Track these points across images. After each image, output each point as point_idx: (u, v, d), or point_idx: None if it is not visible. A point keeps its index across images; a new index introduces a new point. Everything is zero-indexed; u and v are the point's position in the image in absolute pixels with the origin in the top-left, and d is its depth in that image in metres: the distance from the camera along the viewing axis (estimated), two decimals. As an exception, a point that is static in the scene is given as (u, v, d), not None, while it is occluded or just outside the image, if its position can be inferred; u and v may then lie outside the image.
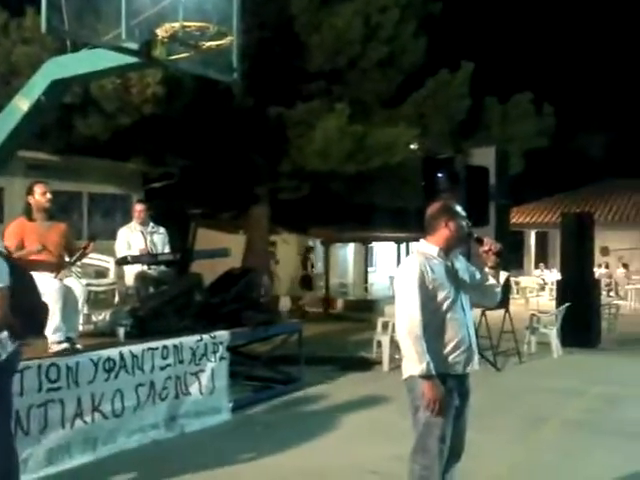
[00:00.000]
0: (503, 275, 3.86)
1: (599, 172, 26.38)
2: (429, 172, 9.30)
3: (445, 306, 3.60)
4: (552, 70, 26.75)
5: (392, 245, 23.82)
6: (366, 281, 22.74)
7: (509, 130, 15.09)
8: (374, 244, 23.56)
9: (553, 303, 13.64)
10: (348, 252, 23.90)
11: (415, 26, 13.86)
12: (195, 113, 12.29)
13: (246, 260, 14.87)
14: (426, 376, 3.47)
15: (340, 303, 17.50)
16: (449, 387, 3.57)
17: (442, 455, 3.58)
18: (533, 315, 10.95)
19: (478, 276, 3.83)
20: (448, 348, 3.60)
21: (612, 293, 21.18)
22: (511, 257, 18.19)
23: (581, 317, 11.06)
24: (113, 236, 7.91)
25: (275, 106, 13.14)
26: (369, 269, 23.70)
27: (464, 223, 3.72)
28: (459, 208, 3.77)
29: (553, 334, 10.46)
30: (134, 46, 5.99)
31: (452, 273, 3.69)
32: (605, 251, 21.01)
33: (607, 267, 22.55)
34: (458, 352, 3.62)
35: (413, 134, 12.85)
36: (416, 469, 3.60)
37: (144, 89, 10.81)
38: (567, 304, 10.78)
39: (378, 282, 22.13)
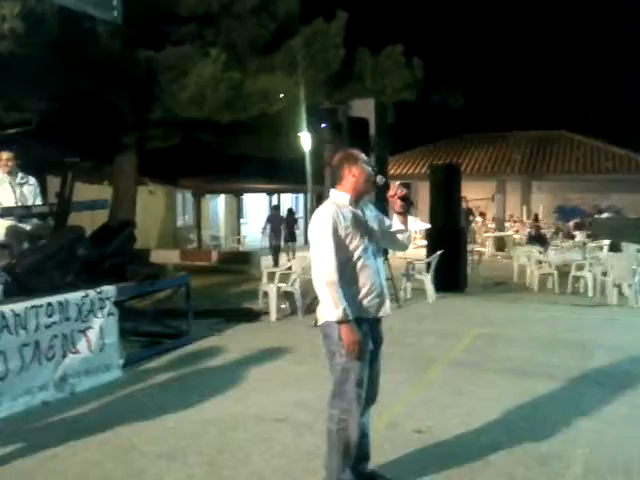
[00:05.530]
0: (412, 220, 3.96)
1: (457, 126, 27.56)
2: (312, 122, 9.28)
3: (357, 253, 3.66)
4: (416, 24, 27.29)
5: (263, 196, 23.78)
6: (238, 233, 22.57)
7: (381, 82, 15.32)
8: (245, 195, 23.36)
9: (418, 251, 14.26)
10: (219, 204, 23.54)
11: (289, -28, 13.63)
12: (56, 53, 11.34)
13: (113, 212, 14.18)
14: (343, 321, 3.50)
15: (214, 255, 17.28)
16: (364, 331, 3.64)
17: (360, 399, 3.65)
18: (409, 262, 11.36)
19: (387, 223, 3.92)
20: (362, 293, 3.67)
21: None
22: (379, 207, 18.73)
23: (450, 263, 11.63)
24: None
25: (144, 49, 12.46)
26: (241, 221, 23.51)
27: (369, 168, 3.76)
28: (362, 155, 3.81)
29: (428, 280, 10.93)
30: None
31: (363, 221, 3.74)
32: (463, 200, 22.10)
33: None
34: (371, 297, 3.69)
35: (290, 83, 12.69)
36: (335, 414, 3.65)
37: (-1, 23, 9.80)
38: (441, 251, 11.27)
39: (250, 234, 22.03)
